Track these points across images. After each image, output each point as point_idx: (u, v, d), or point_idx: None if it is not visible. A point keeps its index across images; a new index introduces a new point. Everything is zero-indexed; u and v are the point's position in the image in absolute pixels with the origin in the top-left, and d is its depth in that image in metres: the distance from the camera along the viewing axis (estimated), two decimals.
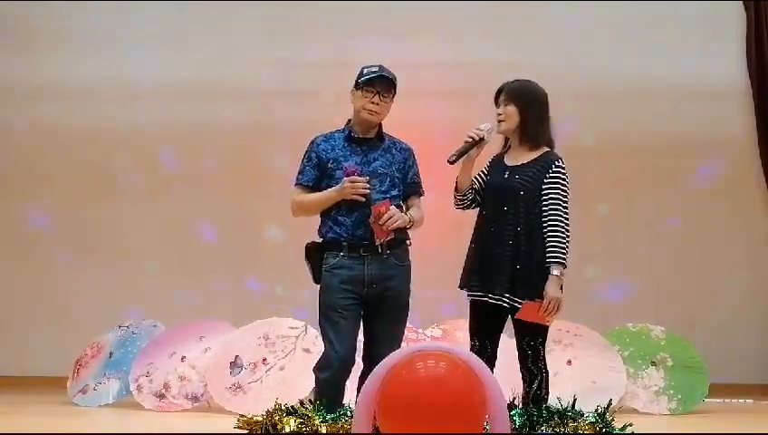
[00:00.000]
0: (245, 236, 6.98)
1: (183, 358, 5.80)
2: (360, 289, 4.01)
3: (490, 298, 3.89)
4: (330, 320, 4.02)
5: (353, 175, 3.99)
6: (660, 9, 6.79)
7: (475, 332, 3.99)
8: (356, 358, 4.06)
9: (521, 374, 3.90)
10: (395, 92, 4.14)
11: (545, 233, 3.85)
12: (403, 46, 6.80)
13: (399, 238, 4.06)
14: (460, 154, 3.95)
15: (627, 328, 5.96)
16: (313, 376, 4.06)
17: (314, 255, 4.09)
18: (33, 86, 7.06)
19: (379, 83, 4.07)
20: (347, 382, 4.05)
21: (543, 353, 3.92)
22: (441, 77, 6.69)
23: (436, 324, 5.91)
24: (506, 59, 6.72)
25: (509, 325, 3.98)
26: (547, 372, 3.91)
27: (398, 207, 4.08)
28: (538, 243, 3.85)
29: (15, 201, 7.14)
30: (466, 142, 3.94)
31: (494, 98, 4.03)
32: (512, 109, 3.95)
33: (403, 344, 4.06)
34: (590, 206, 6.87)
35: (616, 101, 6.83)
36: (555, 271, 3.82)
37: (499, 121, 3.99)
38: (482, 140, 3.97)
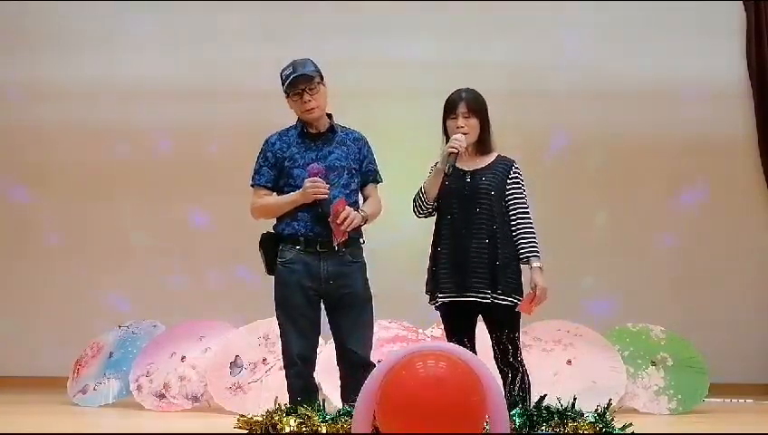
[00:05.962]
0: (246, 236, 6.96)
1: (183, 358, 5.80)
2: (317, 285, 4.01)
3: (467, 297, 3.95)
4: (289, 317, 4.02)
5: (316, 175, 3.99)
6: (660, 9, 6.79)
7: (451, 333, 4.06)
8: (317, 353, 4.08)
9: (500, 371, 3.95)
10: (321, 77, 4.13)
11: (516, 229, 4.02)
12: (403, 46, 6.80)
13: (353, 237, 4.08)
14: (452, 165, 3.96)
15: (627, 328, 5.97)
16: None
17: (269, 245, 4.12)
18: (32, 86, 7.06)
19: (301, 82, 4.06)
20: (317, 379, 4.11)
21: (520, 346, 4.02)
22: (441, 77, 6.68)
23: (436, 324, 5.90)
24: (506, 59, 6.75)
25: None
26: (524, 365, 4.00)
27: (354, 204, 4.09)
28: (510, 239, 4.01)
29: (15, 200, 7.14)
30: (452, 153, 3.95)
31: (451, 107, 4.07)
32: (474, 121, 4.05)
33: (403, 344, 4.05)
34: (589, 205, 6.88)
35: (616, 101, 6.83)
36: (537, 263, 4.01)
37: (464, 134, 4.02)
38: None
